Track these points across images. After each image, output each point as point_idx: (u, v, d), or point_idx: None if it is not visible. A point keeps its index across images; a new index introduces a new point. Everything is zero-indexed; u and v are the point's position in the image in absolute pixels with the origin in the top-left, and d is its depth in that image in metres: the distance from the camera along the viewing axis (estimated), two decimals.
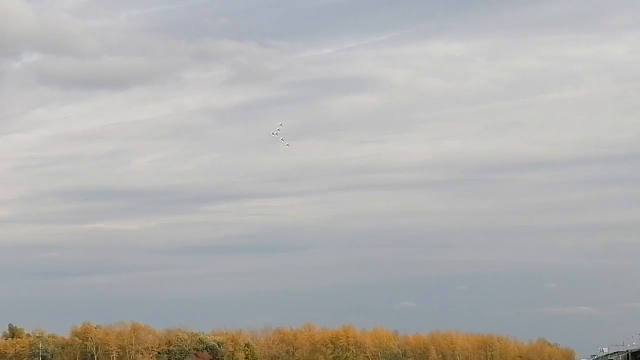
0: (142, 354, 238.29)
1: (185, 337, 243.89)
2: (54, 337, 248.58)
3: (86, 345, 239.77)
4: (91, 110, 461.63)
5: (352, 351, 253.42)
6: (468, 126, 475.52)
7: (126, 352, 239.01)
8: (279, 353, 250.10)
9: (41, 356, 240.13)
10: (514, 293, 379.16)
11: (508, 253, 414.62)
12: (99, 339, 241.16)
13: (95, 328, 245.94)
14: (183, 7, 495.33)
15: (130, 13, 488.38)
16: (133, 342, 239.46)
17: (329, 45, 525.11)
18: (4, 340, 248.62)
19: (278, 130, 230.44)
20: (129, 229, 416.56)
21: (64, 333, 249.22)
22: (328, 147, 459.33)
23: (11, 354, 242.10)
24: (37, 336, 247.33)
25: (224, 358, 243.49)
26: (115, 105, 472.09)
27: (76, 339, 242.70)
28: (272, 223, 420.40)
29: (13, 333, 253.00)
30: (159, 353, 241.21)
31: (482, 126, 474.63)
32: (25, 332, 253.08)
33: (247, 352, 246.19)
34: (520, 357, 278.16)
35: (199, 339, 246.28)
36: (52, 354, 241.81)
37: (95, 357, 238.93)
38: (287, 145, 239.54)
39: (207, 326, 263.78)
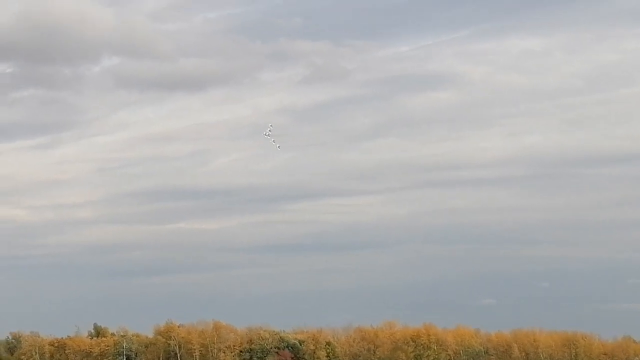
0: (224, 352, 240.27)
1: (267, 335, 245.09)
2: (137, 336, 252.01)
3: (169, 344, 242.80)
4: (170, 111, 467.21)
5: (434, 349, 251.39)
6: (547, 121, 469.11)
7: (208, 351, 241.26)
8: (360, 351, 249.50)
9: (125, 355, 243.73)
10: (597, 289, 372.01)
11: (590, 248, 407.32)
12: (182, 337, 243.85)
13: (178, 327, 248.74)
14: (257, 8, 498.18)
15: (206, 16, 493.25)
16: (215, 341, 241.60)
17: (405, 43, 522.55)
18: (89, 340, 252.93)
19: (269, 131, 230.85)
20: (209, 228, 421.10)
21: (148, 332, 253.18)
22: (406, 144, 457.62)
23: (96, 353, 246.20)
24: (121, 335, 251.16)
25: (306, 356, 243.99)
26: (194, 107, 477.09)
27: (159, 337, 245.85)
28: (351, 221, 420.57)
29: (98, 332, 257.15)
30: (240, 351, 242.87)
31: (561, 121, 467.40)
32: (110, 331, 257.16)
33: (328, 350, 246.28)
34: (605, 354, 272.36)
35: (280, 337, 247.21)
36: (136, 353, 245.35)
37: (179, 355, 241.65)
38: (279, 147, 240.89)
39: (287, 324, 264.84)
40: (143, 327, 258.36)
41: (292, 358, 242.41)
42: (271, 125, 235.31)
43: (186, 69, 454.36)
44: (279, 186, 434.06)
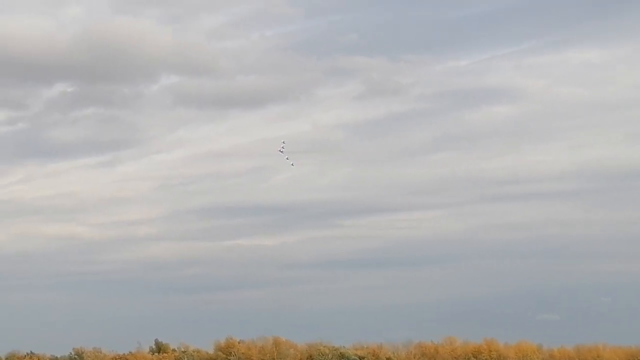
0: None
1: (327, 351, 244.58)
2: (198, 351, 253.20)
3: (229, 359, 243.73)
4: (228, 129, 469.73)
5: None
6: (609, 134, 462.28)
7: None
8: None
9: None
10: None
11: None
12: (242, 353, 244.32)
13: (238, 343, 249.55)
14: (313, 25, 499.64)
15: (263, 33, 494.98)
16: (275, 357, 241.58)
17: (462, 57, 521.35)
18: (150, 355, 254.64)
19: (282, 147, 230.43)
20: (268, 244, 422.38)
21: (208, 348, 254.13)
22: (465, 158, 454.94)
23: None
24: (182, 351, 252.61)
25: None
26: (252, 123, 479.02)
27: (220, 353, 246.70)
28: (410, 236, 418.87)
29: (159, 348, 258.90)
30: None
31: (624, 133, 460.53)
32: (171, 347, 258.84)
33: None
34: None
35: (340, 353, 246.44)
36: None
37: None
38: (292, 164, 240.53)
39: (347, 340, 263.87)
40: (203, 343, 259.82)
41: None
42: (284, 142, 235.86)
43: (244, 86, 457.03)
44: (338, 202, 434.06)
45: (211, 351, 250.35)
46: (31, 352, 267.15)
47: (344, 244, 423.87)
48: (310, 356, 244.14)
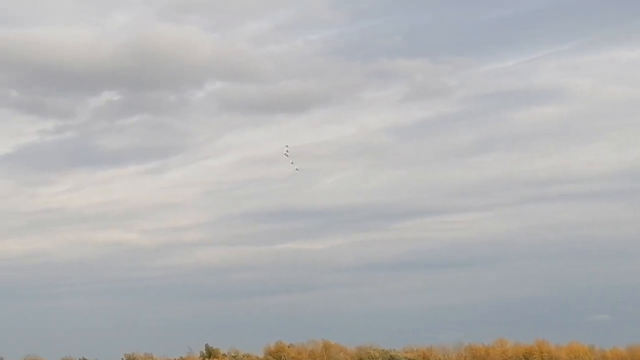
0: None
1: (377, 354, 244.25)
2: (248, 356, 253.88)
3: None
4: (274, 133, 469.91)
5: None
6: None
7: None
8: None
9: None
10: None
11: None
12: (292, 357, 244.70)
13: (288, 347, 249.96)
14: (357, 29, 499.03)
15: (306, 38, 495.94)
16: None
17: (507, 57, 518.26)
18: None
19: (286, 152, 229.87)
20: (316, 248, 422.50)
21: (258, 352, 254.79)
22: (513, 159, 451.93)
23: None
24: (232, 356, 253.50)
25: None
26: (298, 128, 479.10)
27: (270, 358, 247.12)
28: (458, 238, 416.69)
29: (210, 353, 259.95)
30: None
31: None
32: (221, 352, 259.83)
33: None
34: None
35: (390, 356, 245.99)
36: None
37: None
38: (297, 170, 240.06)
39: (397, 343, 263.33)
40: (254, 348, 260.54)
41: None
42: (287, 146, 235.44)
43: (288, 91, 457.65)
44: (385, 205, 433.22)
45: (261, 355, 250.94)
46: (83, 357, 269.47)
47: (391, 246, 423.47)
48: (360, 359, 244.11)
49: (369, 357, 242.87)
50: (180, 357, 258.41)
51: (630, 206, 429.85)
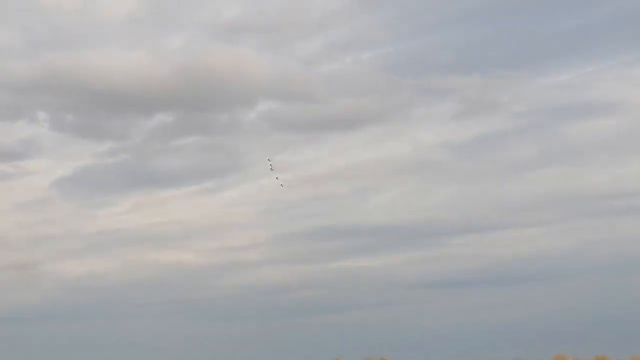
0: None
1: None
2: None
3: None
4: (328, 151, 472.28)
5: None
6: None
7: None
8: None
9: None
10: None
11: None
12: None
13: None
14: (407, 46, 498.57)
15: (357, 56, 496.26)
16: None
17: (561, 71, 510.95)
18: None
19: (270, 166, 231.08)
20: (373, 265, 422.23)
21: None
22: (569, 174, 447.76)
23: None
24: None
25: None
26: (351, 145, 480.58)
27: None
28: (516, 254, 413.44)
29: None
30: None
31: None
32: None
33: None
34: None
35: None
36: None
37: None
38: (282, 185, 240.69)
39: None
40: None
41: None
42: (269, 159, 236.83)
43: (340, 109, 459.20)
44: (442, 221, 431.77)
45: None
46: None
47: (448, 263, 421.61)
48: None
49: None
50: None
51: None
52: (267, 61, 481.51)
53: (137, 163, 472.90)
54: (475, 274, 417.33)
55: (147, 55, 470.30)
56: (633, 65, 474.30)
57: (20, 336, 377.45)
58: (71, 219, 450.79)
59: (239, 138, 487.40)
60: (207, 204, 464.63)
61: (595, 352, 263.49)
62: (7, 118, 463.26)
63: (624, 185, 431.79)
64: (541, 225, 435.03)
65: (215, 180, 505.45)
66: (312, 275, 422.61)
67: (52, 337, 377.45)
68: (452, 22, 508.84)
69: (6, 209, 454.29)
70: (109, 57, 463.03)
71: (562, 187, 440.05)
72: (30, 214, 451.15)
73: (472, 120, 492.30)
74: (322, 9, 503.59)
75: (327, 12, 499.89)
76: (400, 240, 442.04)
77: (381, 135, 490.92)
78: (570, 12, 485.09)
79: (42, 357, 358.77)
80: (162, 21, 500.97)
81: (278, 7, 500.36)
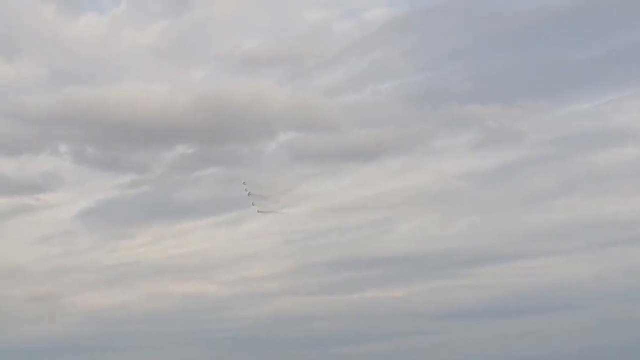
0: None
1: None
2: None
3: None
4: (349, 182, 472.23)
5: None
6: None
7: None
8: None
9: None
10: None
11: None
12: None
13: None
14: (428, 76, 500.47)
15: (376, 87, 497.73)
16: None
17: (584, 100, 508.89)
18: None
19: (245, 189, 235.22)
20: (394, 296, 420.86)
21: None
22: (592, 202, 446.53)
23: None
24: None
25: None
26: (372, 176, 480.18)
27: None
28: (538, 283, 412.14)
29: None
30: None
31: None
32: None
33: None
34: None
35: None
36: None
37: None
38: (258, 211, 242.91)
39: None
40: None
41: None
42: (244, 182, 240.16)
43: (361, 139, 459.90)
44: (464, 251, 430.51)
45: None
46: None
47: (470, 293, 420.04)
48: None
49: None
50: None
51: None
52: (286, 92, 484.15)
53: (158, 195, 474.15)
54: (499, 304, 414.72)
55: (168, 88, 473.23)
56: None
57: None
58: (93, 251, 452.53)
59: (260, 169, 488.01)
60: (227, 235, 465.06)
61: None
62: (30, 151, 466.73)
63: None
64: (564, 254, 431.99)
65: (236, 212, 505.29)
66: (333, 306, 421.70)
67: None
68: (471, 52, 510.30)
69: (29, 242, 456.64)
70: (130, 90, 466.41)
71: (584, 216, 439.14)
72: (53, 246, 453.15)
73: (493, 149, 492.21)
74: (341, 41, 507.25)
75: (346, 43, 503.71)
76: (421, 270, 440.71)
77: (402, 165, 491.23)
78: (591, 41, 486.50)
79: None
80: (183, 54, 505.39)
81: (296, 38, 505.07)
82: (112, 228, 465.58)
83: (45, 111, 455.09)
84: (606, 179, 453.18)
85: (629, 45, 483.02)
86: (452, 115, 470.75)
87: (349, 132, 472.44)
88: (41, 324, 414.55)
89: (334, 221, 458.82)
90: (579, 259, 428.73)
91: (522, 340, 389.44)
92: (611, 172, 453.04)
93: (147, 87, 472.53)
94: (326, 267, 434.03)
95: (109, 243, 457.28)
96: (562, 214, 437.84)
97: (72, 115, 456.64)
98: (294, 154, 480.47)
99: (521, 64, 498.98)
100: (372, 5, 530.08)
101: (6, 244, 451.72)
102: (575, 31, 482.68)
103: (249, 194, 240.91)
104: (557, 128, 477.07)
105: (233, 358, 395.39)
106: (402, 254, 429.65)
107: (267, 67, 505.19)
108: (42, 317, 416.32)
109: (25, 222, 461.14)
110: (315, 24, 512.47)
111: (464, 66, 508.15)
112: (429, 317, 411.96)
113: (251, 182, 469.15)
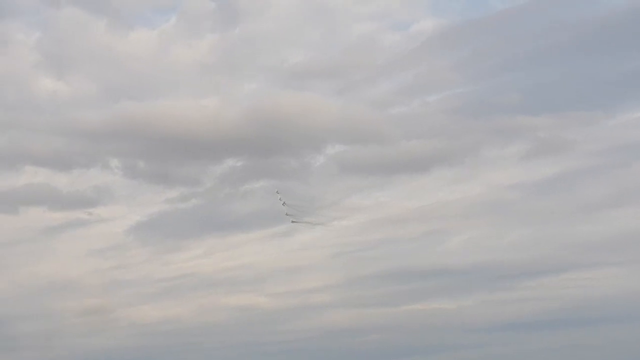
0: None
1: None
2: None
3: None
4: (398, 194, 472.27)
5: None
6: None
7: None
8: None
9: None
10: None
11: None
12: None
13: None
14: (477, 88, 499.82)
15: (424, 99, 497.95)
16: None
17: (635, 109, 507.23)
18: None
19: (280, 199, 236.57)
20: (446, 308, 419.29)
21: None
22: None
23: None
24: None
25: None
26: (422, 187, 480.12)
27: None
28: (591, 295, 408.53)
29: None
30: None
31: None
32: None
33: None
34: None
35: None
36: None
37: None
38: (293, 222, 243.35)
39: None
40: None
41: None
42: (277, 192, 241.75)
43: (409, 151, 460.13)
44: (517, 262, 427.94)
45: None
46: None
47: (523, 305, 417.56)
48: None
49: None
50: None
51: None
52: (334, 105, 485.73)
53: (209, 208, 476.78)
54: (551, 316, 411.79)
55: (217, 102, 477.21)
56: None
57: None
58: (145, 265, 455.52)
59: (309, 182, 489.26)
60: (278, 248, 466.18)
61: None
62: (82, 165, 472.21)
63: None
64: (617, 265, 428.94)
65: (286, 224, 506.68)
66: (383, 318, 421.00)
67: None
68: (519, 63, 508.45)
69: (81, 255, 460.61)
70: (180, 105, 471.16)
71: (637, 226, 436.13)
72: (105, 260, 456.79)
73: (543, 160, 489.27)
74: (388, 53, 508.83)
75: (393, 55, 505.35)
76: (473, 282, 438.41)
77: (452, 176, 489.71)
78: None
79: None
80: (232, 68, 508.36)
81: (344, 51, 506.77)
82: (163, 241, 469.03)
83: (97, 126, 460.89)
84: None
85: None
86: (501, 127, 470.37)
87: (398, 144, 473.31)
88: (94, 337, 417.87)
89: (384, 233, 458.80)
90: (632, 270, 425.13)
91: (575, 352, 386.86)
92: None
93: (197, 101, 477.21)
94: (377, 280, 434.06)
95: (160, 256, 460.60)
96: (615, 225, 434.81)
97: (123, 130, 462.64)
98: (343, 166, 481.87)
99: (571, 75, 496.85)
100: (420, 18, 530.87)
101: (59, 257, 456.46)
102: (626, 41, 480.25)
103: (283, 203, 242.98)
104: (608, 138, 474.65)
105: None
106: (453, 266, 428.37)
107: (316, 80, 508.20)
108: (95, 330, 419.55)
109: (78, 236, 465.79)
110: (363, 37, 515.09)
111: (513, 77, 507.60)
112: (480, 330, 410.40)
113: (300, 195, 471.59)
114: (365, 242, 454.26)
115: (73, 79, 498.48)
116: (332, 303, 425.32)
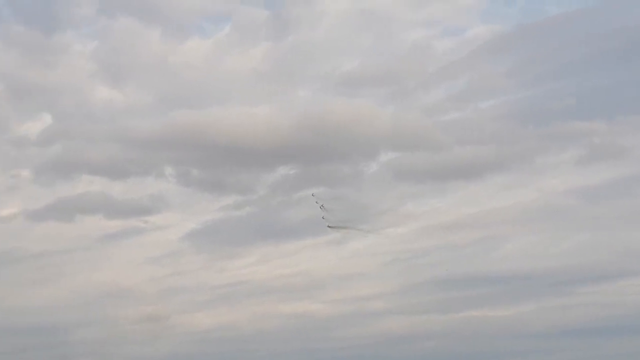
0: None
1: None
2: None
3: None
4: (453, 201, 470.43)
5: None
6: None
7: None
8: None
9: None
10: None
11: None
12: None
13: None
14: (529, 94, 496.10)
15: (477, 105, 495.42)
16: None
17: None
18: None
19: (316, 202, 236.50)
20: (502, 315, 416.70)
21: None
22: None
23: None
24: None
25: None
26: (476, 194, 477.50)
27: None
28: None
29: None
30: None
31: None
32: None
33: None
34: None
35: None
36: None
37: None
38: (328, 227, 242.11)
39: None
40: None
41: None
42: (313, 194, 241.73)
43: (462, 158, 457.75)
44: (574, 269, 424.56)
45: None
46: None
47: (580, 312, 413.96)
48: None
49: None
50: None
51: None
52: (387, 112, 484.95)
53: (262, 216, 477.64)
54: (609, 323, 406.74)
55: (270, 110, 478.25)
56: None
57: None
58: (200, 272, 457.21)
59: (362, 189, 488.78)
60: (333, 255, 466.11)
61: None
62: (137, 174, 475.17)
63: None
64: None
65: (340, 231, 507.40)
66: (440, 325, 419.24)
67: None
68: (573, 68, 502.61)
69: (138, 263, 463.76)
70: (233, 113, 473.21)
71: None
72: (161, 268, 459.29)
73: (598, 165, 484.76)
74: (440, 60, 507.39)
75: (446, 62, 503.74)
76: (529, 289, 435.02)
77: (506, 183, 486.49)
78: None
79: None
80: (285, 76, 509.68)
81: (397, 58, 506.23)
82: (218, 249, 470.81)
83: (152, 135, 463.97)
84: None
85: None
86: (555, 132, 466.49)
87: (451, 151, 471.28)
88: (149, 344, 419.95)
89: (439, 240, 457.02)
90: None
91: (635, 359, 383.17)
92: None
93: (250, 109, 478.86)
94: (432, 286, 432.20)
95: (215, 263, 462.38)
96: None
97: (178, 138, 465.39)
98: (396, 173, 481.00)
99: (625, 80, 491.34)
100: (474, 24, 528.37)
101: (116, 265, 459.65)
102: None
103: (321, 206, 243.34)
104: None
105: None
106: (509, 272, 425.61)
107: (368, 87, 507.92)
108: (150, 337, 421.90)
109: (134, 244, 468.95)
110: (415, 43, 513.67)
111: (566, 83, 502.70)
112: (537, 336, 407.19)
113: (354, 202, 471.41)
114: (419, 249, 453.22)
115: (128, 88, 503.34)
116: (386, 310, 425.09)
